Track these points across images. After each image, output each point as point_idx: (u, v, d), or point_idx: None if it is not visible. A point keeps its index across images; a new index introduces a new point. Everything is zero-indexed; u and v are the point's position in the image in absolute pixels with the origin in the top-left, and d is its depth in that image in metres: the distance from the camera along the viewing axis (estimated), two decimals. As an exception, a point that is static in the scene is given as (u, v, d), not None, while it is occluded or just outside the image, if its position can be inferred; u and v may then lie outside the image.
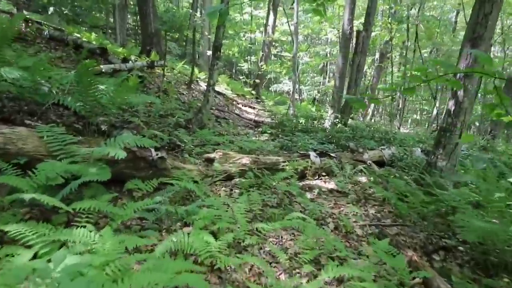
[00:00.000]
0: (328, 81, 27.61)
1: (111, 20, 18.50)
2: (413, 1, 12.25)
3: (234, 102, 13.61)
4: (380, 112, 31.12)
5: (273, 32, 15.54)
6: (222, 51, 14.97)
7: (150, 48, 12.19)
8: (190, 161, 4.61)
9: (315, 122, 8.51)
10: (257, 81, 16.11)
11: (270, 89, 26.35)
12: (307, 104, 11.97)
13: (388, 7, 11.68)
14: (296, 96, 14.59)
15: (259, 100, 16.59)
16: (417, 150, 6.79)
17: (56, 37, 8.58)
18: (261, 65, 15.67)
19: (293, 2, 10.20)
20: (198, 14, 16.67)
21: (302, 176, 5.17)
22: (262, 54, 15.97)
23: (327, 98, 28.09)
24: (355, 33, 8.99)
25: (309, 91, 29.60)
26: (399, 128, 13.35)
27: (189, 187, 3.33)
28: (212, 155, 4.62)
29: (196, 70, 14.28)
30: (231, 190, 4.20)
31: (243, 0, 9.61)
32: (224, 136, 6.79)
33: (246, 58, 21.45)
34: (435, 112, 12.23)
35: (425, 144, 7.32)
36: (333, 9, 19.93)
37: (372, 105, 18.47)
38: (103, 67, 6.82)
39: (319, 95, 29.65)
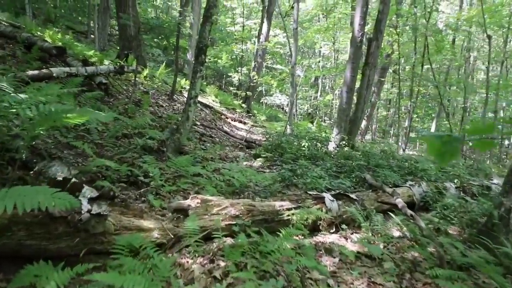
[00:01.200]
0: (321, 96, 26.50)
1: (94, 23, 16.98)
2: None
3: (223, 116, 12.14)
4: (374, 130, 30.08)
5: (266, 41, 14.23)
6: (209, 58, 13.38)
7: (128, 52, 10.68)
8: (152, 212, 3.09)
9: (319, 144, 7.07)
10: (249, 93, 14.71)
11: (261, 101, 25.04)
12: (306, 122, 10.60)
13: (395, 16, 10.47)
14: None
15: (250, 114, 15.16)
16: (450, 187, 5.40)
17: (8, 33, 7.02)
18: (253, 76, 14.30)
19: (294, 3, 8.92)
20: (188, 18, 15.31)
21: (314, 228, 3.69)
22: (255, 64, 14.61)
23: (318, 112, 26.92)
24: (364, 41, 7.73)
25: (300, 106, 28.44)
26: (404, 150, 12.06)
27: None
28: (185, 203, 3.10)
29: (181, 79, 12.82)
30: (212, 263, 2.67)
31: None
32: (208, 164, 5.28)
33: (237, 69, 20.14)
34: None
35: (458, 178, 5.94)
36: (328, 19, 18.85)
37: (364, 122, 17.25)
38: (54, 71, 5.28)
39: (311, 109, 28.51)
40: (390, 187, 4.82)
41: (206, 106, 11.81)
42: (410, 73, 11.74)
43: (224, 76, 24.90)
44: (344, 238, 3.66)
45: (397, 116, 11.89)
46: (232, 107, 14.34)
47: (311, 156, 6.09)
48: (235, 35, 16.43)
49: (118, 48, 14.62)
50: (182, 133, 5.22)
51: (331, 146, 7.60)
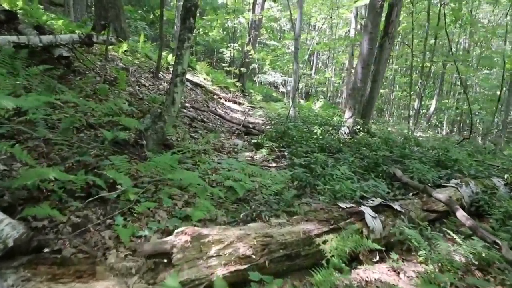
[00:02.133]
0: (315, 73, 25.19)
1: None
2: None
3: (215, 97, 10.90)
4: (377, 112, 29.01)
5: (262, 10, 12.83)
6: (197, 30, 11.95)
7: (105, 23, 9.27)
8: (117, 255, 1.99)
9: (332, 131, 5.96)
10: (243, 70, 13.41)
11: (254, 79, 23.68)
12: (310, 103, 9.44)
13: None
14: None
15: (245, 93, 13.91)
16: (500, 184, 4.38)
17: None
18: (248, 51, 12.96)
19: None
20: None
21: (351, 257, 2.63)
22: (250, 37, 13.24)
23: (316, 91, 25.72)
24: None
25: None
26: (413, 132, 11.04)
27: None
28: (167, 243, 1.97)
29: (168, 55, 11.46)
30: None
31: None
32: (200, 159, 4.16)
33: (229, 44, 18.65)
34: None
35: (505, 171, 4.92)
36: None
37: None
38: (-4, 40, 3.99)
39: (306, 88, 27.25)
40: (431, 187, 3.77)
41: (197, 85, 10.54)
42: (421, 47, 10.55)
43: (215, 51, 23.36)
44: (395, 272, 2.61)
45: (409, 95, 10.75)
46: (225, 86, 13.07)
47: (326, 146, 4.99)
48: (227, 5, 14.89)
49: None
50: (166, 120, 4.05)
51: (344, 132, 6.50)
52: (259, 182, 3.58)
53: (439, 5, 10.26)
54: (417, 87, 10.64)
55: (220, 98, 11.21)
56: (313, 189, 3.65)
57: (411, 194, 3.70)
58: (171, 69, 10.23)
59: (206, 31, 10.65)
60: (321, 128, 5.52)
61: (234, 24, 15.14)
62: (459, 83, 23.32)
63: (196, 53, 22.12)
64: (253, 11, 13.60)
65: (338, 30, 24.66)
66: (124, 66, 7.33)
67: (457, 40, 14.43)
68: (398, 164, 4.95)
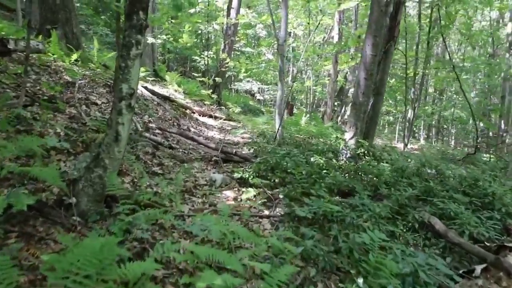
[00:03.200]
0: (293, 81, 24.23)
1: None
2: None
3: (188, 111, 9.52)
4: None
5: (238, 14, 11.64)
6: (166, 36, 10.55)
7: (52, 27, 7.76)
8: None
9: (334, 161, 4.73)
10: (218, 80, 12.11)
11: (229, 87, 22.43)
12: (299, 119, 8.26)
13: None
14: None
15: (221, 105, 12.59)
16: None
17: None
18: (223, 59, 11.69)
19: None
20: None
21: None
22: (225, 44, 11.98)
23: (293, 99, 24.71)
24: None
25: (273, 92, 26.19)
26: (406, 145, 10.07)
27: None
28: None
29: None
30: None
31: None
32: (161, 227, 2.82)
33: (203, 52, 17.29)
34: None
35: None
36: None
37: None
38: None
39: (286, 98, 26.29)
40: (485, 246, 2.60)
41: (166, 98, 9.14)
42: (413, 52, 9.63)
43: (188, 60, 21.96)
44: None
45: (405, 105, 9.76)
46: (199, 98, 11.72)
47: (333, 185, 3.74)
48: (200, 6, 13.55)
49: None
50: (107, 166, 2.68)
51: (345, 156, 5.31)
52: (252, 265, 2.27)
53: (431, 8, 9.39)
54: (409, 96, 9.66)
55: (194, 113, 9.85)
56: (337, 269, 2.38)
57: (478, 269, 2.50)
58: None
59: (176, 37, 9.32)
60: (322, 158, 4.27)
61: (208, 29, 13.84)
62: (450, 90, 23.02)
63: (167, 62, 20.61)
64: (228, 16, 12.38)
65: (316, 36, 23.88)
66: (70, 79, 5.85)
67: (456, 45, 13.75)
68: (426, 204, 3.78)
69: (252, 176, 4.27)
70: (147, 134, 5.40)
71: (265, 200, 3.84)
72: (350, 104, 5.77)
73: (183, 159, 5.18)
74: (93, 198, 2.71)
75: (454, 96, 24.57)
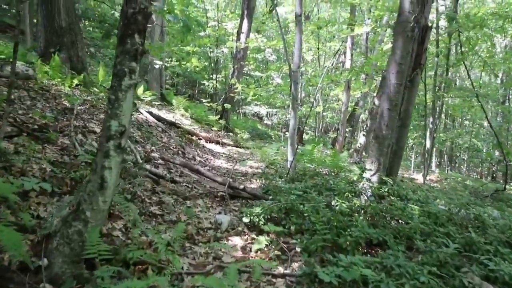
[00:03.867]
0: (301, 105, 23.80)
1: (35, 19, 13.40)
2: None
3: (195, 138, 9.09)
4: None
5: (248, 38, 11.40)
6: (172, 59, 10.29)
7: (55, 50, 7.50)
8: None
9: (355, 200, 4.15)
10: (227, 106, 11.73)
11: (237, 110, 22.08)
12: (313, 149, 7.76)
13: None
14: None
15: (229, 130, 12.17)
16: None
17: None
18: (233, 84, 11.36)
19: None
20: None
21: None
22: (234, 68, 11.69)
23: (302, 123, 24.27)
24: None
25: (280, 116, 25.86)
26: (425, 177, 9.43)
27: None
28: None
29: (138, 87, 9.68)
30: None
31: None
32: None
33: (211, 75, 17.07)
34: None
35: None
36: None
37: (363, 138, 14.67)
38: None
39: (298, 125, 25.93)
40: None
41: (172, 124, 8.74)
42: (432, 80, 9.17)
43: (197, 83, 21.84)
44: None
45: (424, 136, 9.19)
46: (207, 123, 11.32)
47: (361, 238, 3.16)
48: (209, 30, 13.38)
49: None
50: (88, 219, 2.17)
51: (366, 195, 4.74)
52: None
53: (449, 34, 9.00)
54: (430, 125, 9.12)
55: (200, 139, 9.41)
56: None
57: None
58: (140, 108, 8.39)
59: (184, 60, 9.04)
60: (345, 203, 3.70)
61: (217, 54, 13.64)
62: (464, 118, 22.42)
63: (175, 85, 20.48)
64: (238, 40, 12.15)
65: (325, 62, 23.78)
66: (68, 105, 5.46)
67: (480, 72, 13.25)
68: (471, 262, 3.18)
69: (263, 221, 3.72)
70: (147, 166, 4.91)
71: (279, 252, 3.27)
72: (372, 136, 5.26)
73: (186, 195, 4.65)
74: (69, 258, 2.19)
75: (466, 123, 23.96)
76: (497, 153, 18.47)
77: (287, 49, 7.90)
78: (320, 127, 25.75)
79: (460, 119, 24.01)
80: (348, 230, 3.29)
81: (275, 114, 26.05)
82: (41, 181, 3.08)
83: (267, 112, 25.73)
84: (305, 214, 3.67)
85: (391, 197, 4.75)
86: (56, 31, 7.60)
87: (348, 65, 12.43)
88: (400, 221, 4.03)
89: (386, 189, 4.71)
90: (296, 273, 2.90)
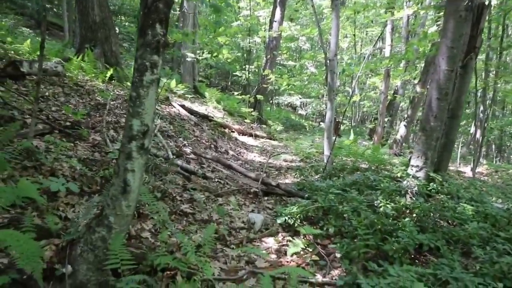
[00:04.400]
0: (336, 94, 22.99)
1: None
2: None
3: (227, 130, 8.95)
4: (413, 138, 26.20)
5: (280, 25, 11.02)
6: (205, 52, 10.18)
7: (91, 46, 7.60)
8: None
9: (399, 198, 3.79)
10: (260, 97, 11.50)
11: (270, 101, 21.77)
12: (355, 140, 7.35)
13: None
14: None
15: (262, 122, 11.95)
16: None
17: None
18: (266, 75, 11.07)
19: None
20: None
21: None
22: (267, 59, 11.39)
23: (337, 113, 23.53)
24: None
25: (315, 106, 25.22)
26: (474, 170, 8.68)
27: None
28: None
29: (171, 80, 9.69)
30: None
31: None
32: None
33: (244, 66, 16.86)
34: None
35: None
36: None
37: (404, 129, 13.85)
38: None
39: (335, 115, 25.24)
40: None
41: (205, 117, 8.65)
42: (484, 64, 8.35)
43: (230, 75, 21.76)
44: None
45: (474, 126, 8.42)
46: (240, 115, 11.16)
47: (409, 245, 2.83)
48: (241, 19, 13.13)
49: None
50: (112, 225, 2.04)
51: (412, 191, 4.33)
52: None
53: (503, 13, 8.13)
54: (480, 114, 8.35)
55: (233, 132, 9.27)
56: None
57: None
58: (173, 101, 8.35)
59: (215, 53, 8.88)
60: (390, 204, 3.35)
61: (249, 43, 13.38)
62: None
63: (209, 77, 20.49)
64: (270, 29, 11.81)
65: (362, 49, 22.84)
66: (101, 100, 5.47)
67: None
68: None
69: (298, 221, 3.47)
70: (179, 162, 4.81)
71: (316, 257, 3.02)
72: (418, 128, 4.81)
73: (218, 192, 4.50)
74: (94, 266, 2.07)
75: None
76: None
77: (322, 37, 7.50)
78: (357, 117, 24.89)
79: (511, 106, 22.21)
80: (394, 234, 2.97)
81: (309, 104, 25.49)
82: (71, 180, 3.03)
83: (301, 102, 25.23)
84: (344, 215, 3.38)
85: (440, 195, 4.32)
86: (90, 27, 7.69)
87: (387, 51, 11.71)
88: (452, 223, 3.63)
89: (434, 187, 4.29)
90: (336, 282, 2.64)
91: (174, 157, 4.84)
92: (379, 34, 8.80)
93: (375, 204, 3.41)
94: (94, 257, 2.06)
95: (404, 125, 14.00)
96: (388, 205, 3.23)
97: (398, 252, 2.71)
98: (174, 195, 3.93)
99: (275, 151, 8.45)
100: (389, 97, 14.51)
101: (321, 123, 26.02)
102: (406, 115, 14.02)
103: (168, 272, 2.44)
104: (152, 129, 2.07)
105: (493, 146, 23.79)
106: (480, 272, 2.69)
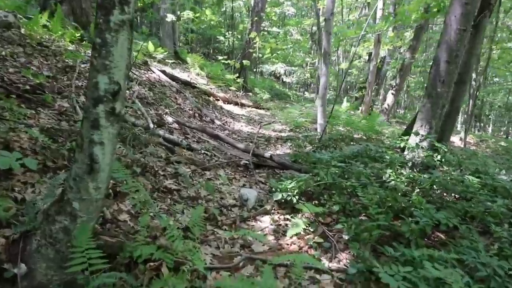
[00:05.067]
0: (319, 62, 22.36)
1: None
2: None
3: (212, 98, 8.40)
4: (405, 104, 25.82)
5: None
6: (187, 14, 9.32)
7: (56, 2, 6.74)
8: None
9: (404, 171, 3.46)
10: (245, 62, 10.87)
11: (254, 70, 21.04)
12: (352, 107, 6.94)
13: None
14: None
15: (248, 91, 11.40)
16: None
17: None
18: (252, 39, 10.40)
19: None
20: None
21: None
22: (252, 21, 10.67)
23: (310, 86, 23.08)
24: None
25: (298, 74, 24.66)
26: (465, 140, 8.56)
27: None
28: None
29: (147, 43, 8.96)
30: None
31: None
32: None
33: (227, 32, 15.94)
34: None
35: None
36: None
37: (392, 97, 13.64)
38: None
39: (311, 80, 24.77)
40: None
41: (187, 84, 8.05)
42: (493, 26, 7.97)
43: (212, 41, 20.74)
44: None
45: (474, 92, 8.14)
46: (224, 82, 10.55)
47: (427, 225, 2.50)
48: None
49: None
50: (77, 213, 1.59)
51: (415, 162, 4.03)
52: None
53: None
54: (473, 82, 8.09)
55: (218, 100, 8.73)
56: None
57: None
58: (152, 65, 7.65)
59: (198, 14, 8.12)
60: (399, 177, 3.02)
61: (233, 5, 12.54)
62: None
63: (190, 42, 19.45)
64: (257, -11, 11.00)
65: (349, 15, 22.09)
66: (70, 63, 4.82)
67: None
68: None
69: (297, 197, 3.11)
70: (161, 132, 4.31)
71: (320, 239, 2.68)
72: (424, 94, 4.45)
73: (206, 165, 4.07)
74: (55, 263, 1.64)
75: (496, 79, 22.09)
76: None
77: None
78: (343, 87, 24.50)
79: (494, 77, 22.26)
80: (406, 212, 2.65)
81: (293, 73, 24.89)
82: (31, 154, 2.52)
83: (285, 70, 24.56)
84: (348, 191, 3.03)
85: (444, 167, 4.05)
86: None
87: (379, 15, 11.16)
88: (462, 197, 3.36)
89: (438, 158, 3.98)
90: (347, 269, 2.31)
91: (155, 126, 4.34)
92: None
93: (384, 179, 3.06)
94: (55, 253, 1.63)
95: (392, 94, 13.74)
96: (398, 179, 2.89)
97: (415, 234, 2.39)
98: (156, 169, 3.47)
99: (263, 120, 8.02)
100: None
101: (305, 92, 25.57)
102: (394, 84, 13.75)
103: (151, 264, 2.04)
104: (125, 88, 1.59)
105: (473, 116, 24.07)
106: (498, 252, 2.43)
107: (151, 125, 4.23)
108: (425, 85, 4.45)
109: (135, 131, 3.83)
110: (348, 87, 27.81)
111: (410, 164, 4.05)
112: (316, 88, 24.98)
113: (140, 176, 3.10)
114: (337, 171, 3.09)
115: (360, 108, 12.39)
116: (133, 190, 2.50)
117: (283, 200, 3.23)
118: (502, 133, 24.56)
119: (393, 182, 2.87)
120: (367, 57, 16.72)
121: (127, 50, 1.53)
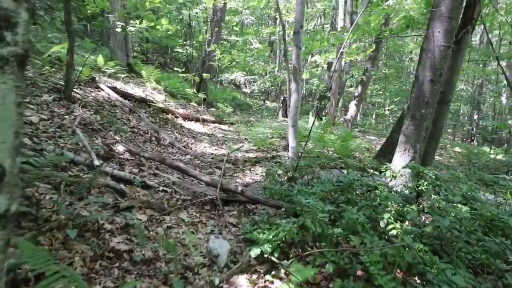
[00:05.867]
0: (278, 72, 22.16)
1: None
2: None
3: (170, 117, 7.68)
4: (362, 110, 26.16)
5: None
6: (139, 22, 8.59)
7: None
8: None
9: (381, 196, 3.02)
10: (206, 75, 10.23)
11: (213, 79, 20.39)
12: (328, 126, 6.54)
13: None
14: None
15: (210, 105, 10.74)
16: None
17: None
18: (212, 51, 9.80)
19: None
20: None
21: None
22: (212, 31, 10.07)
23: (281, 91, 22.93)
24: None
25: (259, 83, 24.36)
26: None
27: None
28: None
29: (97, 57, 8.07)
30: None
31: None
32: None
33: (185, 42, 15.18)
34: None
35: None
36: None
37: (354, 107, 13.70)
38: None
39: (271, 89, 24.55)
40: None
41: (142, 101, 7.26)
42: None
43: (169, 50, 19.84)
44: None
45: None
46: (184, 97, 9.83)
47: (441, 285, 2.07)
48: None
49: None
50: None
51: (399, 190, 3.64)
52: None
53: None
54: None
55: (177, 117, 8.01)
56: None
57: None
58: (101, 83, 6.71)
59: (152, 23, 7.41)
60: (402, 226, 2.55)
61: (191, 14, 11.90)
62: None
63: (145, 53, 18.41)
64: (215, -2, 10.43)
65: (308, 24, 22.15)
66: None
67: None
68: None
69: (278, 251, 2.55)
70: (108, 168, 3.57)
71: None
72: (405, 116, 4.10)
73: (165, 208, 3.39)
74: None
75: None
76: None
77: (279, 7, 6.48)
78: (303, 96, 24.48)
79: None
80: (413, 270, 2.17)
81: (254, 82, 24.56)
82: None
83: (245, 79, 24.16)
84: (340, 239, 2.51)
85: (432, 195, 3.68)
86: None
87: (340, 25, 11.03)
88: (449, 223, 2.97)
89: (425, 184, 3.61)
90: None
91: (101, 163, 3.59)
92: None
93: (382, 225, 2.59)
94: None
95: (355, 104, 13.74)
96: (401, 229, 2.41)
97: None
98: (102, 222, 2.76)
99: (227, 138, 7.42)
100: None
101: (266, 101, 25.26)
102: (356, 94, 13.75)
103: None
104: (14, 169, 0.94)
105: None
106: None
107: (96, 162, 3.48)
108: (407, 105, 4.10)
109: (73, 172, 3.08)
110: (306, 94, 27.95)
111: (396, 190, 3.66)
112: (275, 96, 24.72)
113: (76, 240, 2.38)
114: (326, 218, 2.57)
115: (323, 117, 12.19)
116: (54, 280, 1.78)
117: (261, 258, 2.65)
118: (450, 136, 25.83)
119: (394, 231, 2.40)
120: (326, 66, 16.74)
121: (14, 108, 0.89)
